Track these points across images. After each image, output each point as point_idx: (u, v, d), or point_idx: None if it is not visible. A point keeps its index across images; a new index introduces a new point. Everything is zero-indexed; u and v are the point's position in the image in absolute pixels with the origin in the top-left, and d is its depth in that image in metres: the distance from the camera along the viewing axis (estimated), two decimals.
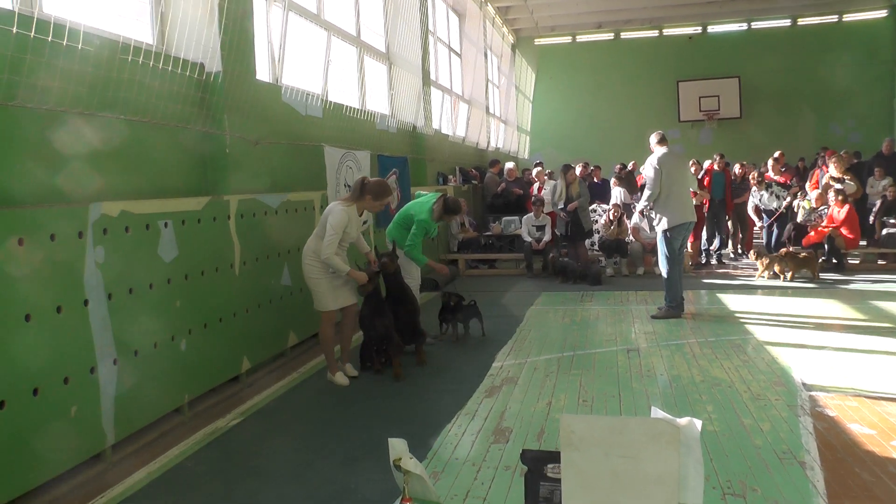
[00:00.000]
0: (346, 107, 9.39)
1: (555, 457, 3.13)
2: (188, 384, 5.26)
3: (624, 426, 2.87)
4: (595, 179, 15.20)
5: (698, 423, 2.85)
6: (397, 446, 3.63)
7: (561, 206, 11.35)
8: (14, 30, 4.09)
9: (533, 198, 12.62)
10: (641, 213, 8.18)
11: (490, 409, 5.29)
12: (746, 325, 7.76)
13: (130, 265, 4.62)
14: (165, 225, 4.97)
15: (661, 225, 8.22)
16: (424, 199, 7.62)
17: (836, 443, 4.45)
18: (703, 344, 6.99)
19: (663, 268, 8.32)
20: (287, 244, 6.70)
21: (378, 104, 11.55)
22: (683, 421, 2.83)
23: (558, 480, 2.99)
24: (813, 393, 5.42)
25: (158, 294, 4.90)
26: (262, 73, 7.42)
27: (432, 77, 14.59)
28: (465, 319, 7.63)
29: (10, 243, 3.72)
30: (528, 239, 12.08)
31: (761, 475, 3.99)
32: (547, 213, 12.41)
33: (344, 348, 6.40)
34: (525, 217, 12.39)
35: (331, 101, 8.98)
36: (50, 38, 4.33)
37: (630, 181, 14.89)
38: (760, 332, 7.39)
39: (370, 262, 6.42)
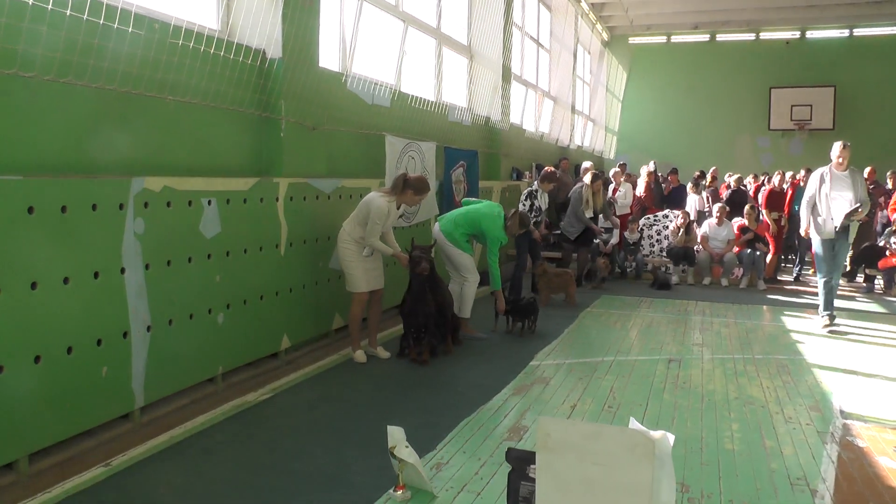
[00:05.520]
0: (416, 97, 9.52)
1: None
2: (223, 356, 5.50)
3: (600, 434, 2.87)
4: (672, 184, 14.95)
5: (671, 438, 2.84)
6: (395, 434, 3.74)
7: (590, 215, 10.85)
8: (84, 17, 4.38)
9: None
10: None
11: (513, 407, 5.33)
12: (799, 346, 7.52)
13: (170, 238, 4.87)
14: (209, 202, 5.20)
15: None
16: (492, 212, 7.44)
17: (857, 475, 4.30)
18: (749, 361, 6.83)
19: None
20: (338, 229, 6.85)
21: (454, 96, 11.65)
22: (657, 434, 2.82)
23: None
24: (849, 421, 5.24)
25: (197, 268, 5.14)
26: (330, 61, 7.62)
27: (517, 72, 14.59)
28: (523, 316, 7.73)
29: (52, 210, 4.00)
30: (596, 241, 11.97)
31: (767, 499, 3.91)
32: (619, 216, 12.31)
33: (372, 329, 6.68)
34: None
35: (400, 92, 9.11)
36: (116, 26, 4.59)
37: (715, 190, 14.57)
38: (811, 354, 7.15)
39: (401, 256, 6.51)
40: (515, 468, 3.28)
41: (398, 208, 6.52)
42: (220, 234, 5.34)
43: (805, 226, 8.45)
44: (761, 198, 12.47)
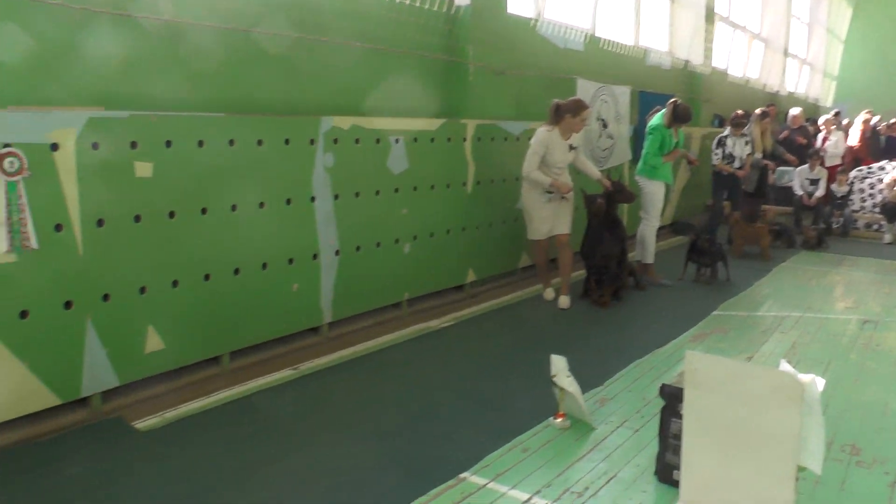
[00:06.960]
0: (611, 41, 9.36)
1: None
2: (409, 284, 5.92)
3: (747, 373, 2.82)
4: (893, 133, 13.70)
5: (821, 383, 2.77)
6: (557, 363, 3.85)
7: (759, 155, 10.22)
8: None
9: (810, 149, 11.71)
10: None
11: (686, 353, 5.27)
12: None
13: (358, 172, 5.29)
14: (396, 141, 5.54)
15: None
16: (660, 114, 7.55)
17: None
18: None
19: None
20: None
21: (653, 40, 11.29)
22: (807, 377, 2.75)
23: None
24: None
25: (385, 201, 5.53)
26: (520, 7, 7.69)
27: (724, 12, 13.85)
28: (711, 262, 7.60)
29: (249, 143, 4.52)
30: (800, 192, 11.28)
31: None
32: (828, 168, 11.50)
33: (563, 274, 6.53)
34: (799, 169, 11.53)
35: (594, 36, 9.00)
36: None
37: None
38: None
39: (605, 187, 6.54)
40: (668, 404, 3.31)
41: (567, 139, 6.29)
42: (407, 170, 5.68)
43: None
44: None
